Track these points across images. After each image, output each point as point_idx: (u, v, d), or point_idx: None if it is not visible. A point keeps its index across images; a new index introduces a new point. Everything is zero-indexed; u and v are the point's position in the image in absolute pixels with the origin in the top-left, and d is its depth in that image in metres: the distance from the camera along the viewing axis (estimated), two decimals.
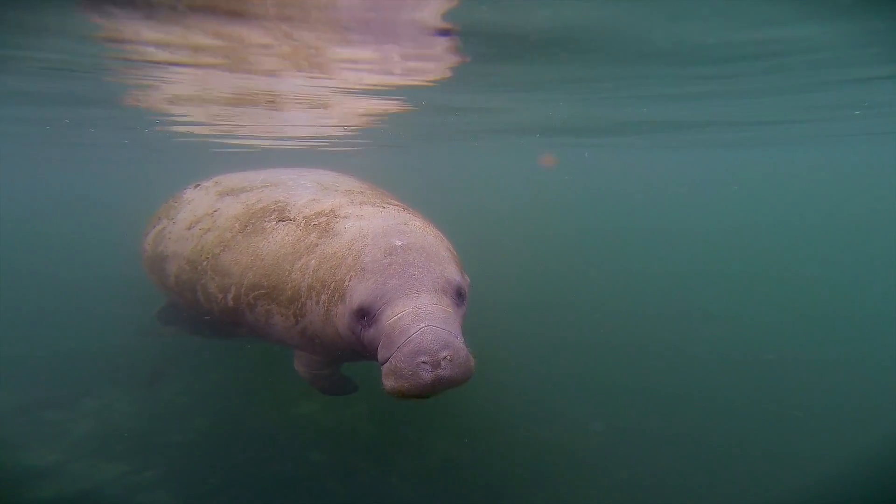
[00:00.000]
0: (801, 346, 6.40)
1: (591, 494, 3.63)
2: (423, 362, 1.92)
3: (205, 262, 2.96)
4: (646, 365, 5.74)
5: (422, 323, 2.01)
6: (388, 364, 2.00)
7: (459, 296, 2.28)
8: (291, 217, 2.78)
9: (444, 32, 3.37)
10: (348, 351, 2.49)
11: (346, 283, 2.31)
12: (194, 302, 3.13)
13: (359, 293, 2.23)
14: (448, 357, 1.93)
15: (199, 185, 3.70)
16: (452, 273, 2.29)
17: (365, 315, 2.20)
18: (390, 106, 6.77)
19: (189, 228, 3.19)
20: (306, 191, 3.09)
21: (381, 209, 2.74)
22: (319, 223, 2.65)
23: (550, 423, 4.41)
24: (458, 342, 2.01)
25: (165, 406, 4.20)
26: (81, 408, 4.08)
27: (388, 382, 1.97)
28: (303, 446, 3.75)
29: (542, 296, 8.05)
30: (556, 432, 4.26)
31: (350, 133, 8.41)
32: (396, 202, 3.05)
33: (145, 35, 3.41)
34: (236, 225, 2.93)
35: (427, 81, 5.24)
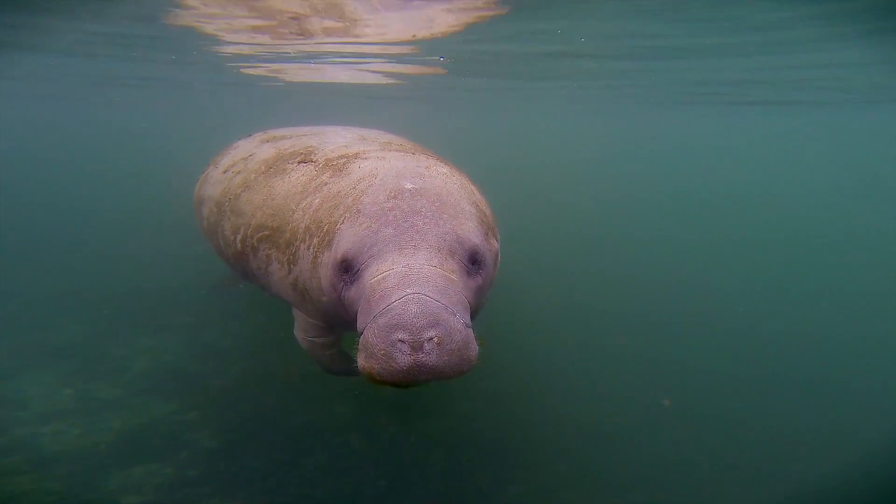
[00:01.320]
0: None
1: (612, 469, 3.63)
2: (399, 340, 1.49)
3: (226, 204, 2.78)
4: (691, 343, 5.48)
5: (409, 288, 1.57)
6: (362, 336, 1.60)
7: (474, 262, 1.82)
8: (314, 159, 2.52)
9: None
10: (334, 315, 2.09)
11: (338, 227, 1.93)
12: (217, 248, 2.98)
13: (346, 239, 1.83)
14: (436, 339, 1.50)
15: (249, 135, 3.64)
16: (469, 231, 1.84)
17: (349, 268, 1.80)
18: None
19: (224, 172, 3.06)
20: (341, 139, 2.86)
21: (409, 154, 2.39)
22: (337, 164, 2.36)
23: (578, 395, 4.43)
24: (455, 321, 1.56)
25: (207, 348, 4.62)
26: (137, 345, 4.57)
27: (360, 360, 1.58)
28: (329, 398, 4.04)
29: (593, 264, 7.75)
30: (584, 406, 4.27)
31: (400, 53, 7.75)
32: (436, 157, 2.65)
33: None
34: (262, 167, 2.73)
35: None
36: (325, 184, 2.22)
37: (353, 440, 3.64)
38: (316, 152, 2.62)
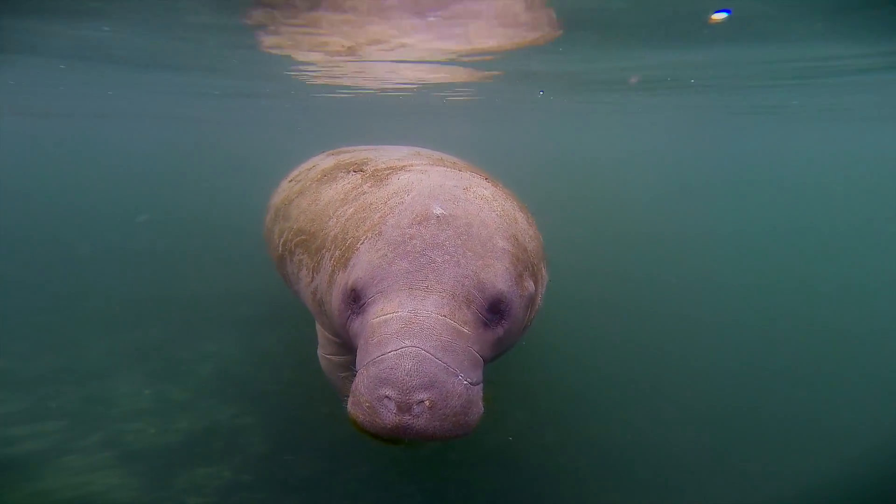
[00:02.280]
0: None
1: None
2: (386, 397, 1.39)
3: (281, 210, 2.80)
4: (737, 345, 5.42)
5: (408, 339, 1.45)
6: (354, 379, 1.51)
7: (495, 311, 1.64)
8: (364, 169, 2.48)
9: None
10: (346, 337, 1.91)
11: (358, 246, 1.81)
12: (269, 253, 2.99)
13: (360, 265, 1.70)
14: (427, 402, 1.38)
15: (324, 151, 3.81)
16: (494, 275, 1.64)
17: (357, 298, 1.68)
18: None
19: (290, 181, 3.12)
20: (398, 153, 2.83)
21: (451, 171, 2.25)
22: (381, 174, 2.28)
23: (620, 407, 4.33)
24: (455, 383, 1.42)
25: (263, 355, 5.01)
26: (203, 349, 5.08)
27: (349, 404, 1.48)
28: None
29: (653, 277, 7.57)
30: (623, 415, 4.16)
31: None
32: (484, 176, 2.46)
33: None
34: (318, 176, 2.74)
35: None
36: (364, 193, 2.15)
37: (394, 451, 3.78)
38: (368, 163, 2.58)
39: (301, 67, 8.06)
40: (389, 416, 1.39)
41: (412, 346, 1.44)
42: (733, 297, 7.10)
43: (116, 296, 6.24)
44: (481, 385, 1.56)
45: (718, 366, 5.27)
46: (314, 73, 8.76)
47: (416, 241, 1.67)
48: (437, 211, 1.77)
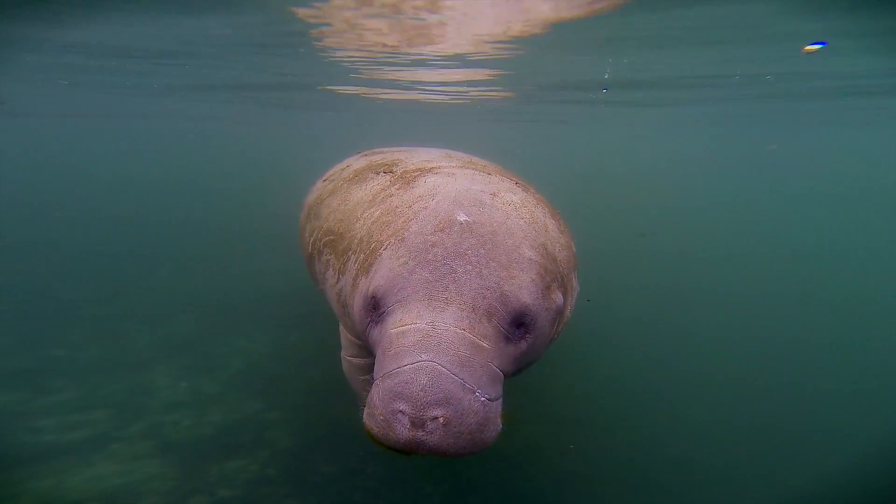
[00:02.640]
0: None
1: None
2: (400, 412, 1.38)
3: (313, 209, 2.82)
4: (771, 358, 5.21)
5: (424, 353, 1.43)
6: (371, 389, 1.51)
7: (519, 325, 1.60)
8: (394, 170, 2.46)
9: None
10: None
11: (381, 251, 1.78)
12: (300, 252, 2.99)
13: (381, 272, 1.69)
14: (442, 419, 1.36)
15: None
16: (519, 287, 1.59)
17: (376, 307, 1.67)
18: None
19: (323, 181, 3.16)
20: (429, 155, 2.80)
21: (480, 174, 2.18)
22: (409, 176, 2.26)
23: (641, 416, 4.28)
24: (472, 400, 1.40)
25: (290, 352, 5.23)
26: (236, 344, 5.34)
27: (364, 414, 1.49)
28: None
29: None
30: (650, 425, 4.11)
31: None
32: (515, 180, 2.38)
33: None
34: (350, 176, 2.73)
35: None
36: (391, 195, 2.12)
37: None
38: (399, 164, 2.56)
39: (339, 63, 8.06)
40: (403, 430, 1.38)
41: (428, 361, 1.42)
42: (758, 309, 6.94)
43: (156, 291, 6.65)
44: (500, 400, 1.53)
45: (742, 377, 5.14)
46: (351, 69, 8.80)
47: (437, 250, 1.64)
48: (461, 218, 1.71)
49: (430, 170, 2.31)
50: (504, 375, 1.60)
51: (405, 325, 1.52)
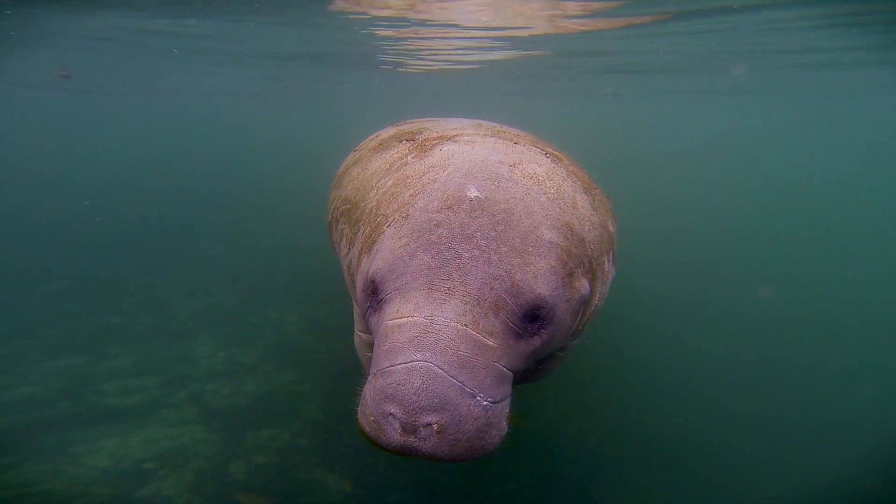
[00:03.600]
0: None
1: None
2: (391, 415, 1.29)
3: (339, 178, 2.73)
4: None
5: (419, 352, 1.31)
6: (365, 385, 1.41)
7: (530, 319, 1.43)
8: (416, 139, 2.31)
9: None
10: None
11: (384, 228, 1.63)
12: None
13: (381, 254, 1.54)
14: (436, 426, 1.26)
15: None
16: (534, 275, 1.42)
17: (375, 292, 1.52)
18: None
19: (354, 151, 3.05)
20: (457, 123, 2.61)
21: (503, 142, 1.98)
22: (428, 144, 2.09)
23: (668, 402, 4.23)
24: (472, 405, 1.29)
25: (321, 325, 5.48)
26: (269, 317, 5.66)
27: (358, 410, 1.40)
28: None
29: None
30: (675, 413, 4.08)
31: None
32: (544, 149, 2.14)
33: None
34: (375, 144, 2.61)
35: None
36: (406, 164, 1.95)
37: None
38: (424, 132, 2.40)
39: (375, 34, 7.82)
40: (394, 435, 1.29)
41: (423, 361, 1.29)
42: (801, 293, 6.55)
43: (197, 264, 7.06)
44: (507, 401, 1.42)
45: (783, 364, 4.90)
46: (386, 40, 8.53)
47: (442, 231, 1.46)
48: (472, 193, 1.52)
49: (451, 137, 2.13)
50: (514, 374, 1.48)
51: (402, 317, 1.38)
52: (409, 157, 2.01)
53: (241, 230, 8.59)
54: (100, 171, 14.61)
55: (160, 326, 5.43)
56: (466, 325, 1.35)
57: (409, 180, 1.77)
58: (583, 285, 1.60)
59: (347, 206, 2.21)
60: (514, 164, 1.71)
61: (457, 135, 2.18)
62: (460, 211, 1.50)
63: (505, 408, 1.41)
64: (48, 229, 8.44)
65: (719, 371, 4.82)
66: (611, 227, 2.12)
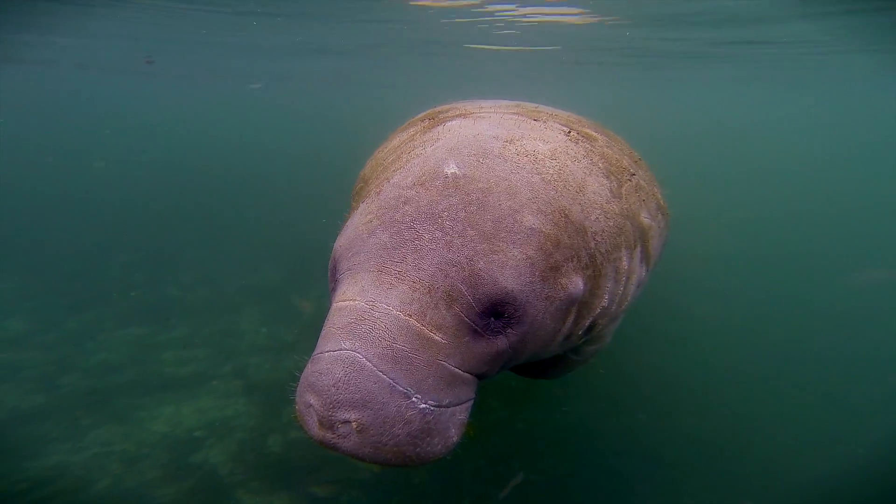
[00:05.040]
0: None
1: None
2: (311, 406, 1.21)
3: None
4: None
5: (348, 341, 1.20)
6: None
7: (492, 314, 1.27)
8: (437, 118, 2.19)
9: None
10: None
11: (361, 202, 1.53)
12: None
13: (346, 231, 1.43)
14: (355, 424, 1.14)
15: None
16: (500, 267, 1.25)
17: (334, 271, 1.43)
18: None
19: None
20: (491, 102, 2.43)
21: (518, 118, 1.78)
22: (438, 120, 1.98)
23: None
24: (402, 406, 1.16)
25: None
26: (309, 295, 5.94)
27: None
28: None
29: None
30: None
31: None
32: (581, 128, 1.96)
33: None
34: (404, 125, 2.55)
35: None
36: (412, 140, 1.85)
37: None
38: (448, 112, 2.25)
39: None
40: (314, 428, 1.20)
41: (350, 351, 1.18)
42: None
43: (247, 241, 7.49)
44: (462, 407, 1.27)
45: (836, 362, 4.46)
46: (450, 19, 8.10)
47: (408, 208, 1.32)
48: (450, 169, 1.38)
49: (466, 113, 1.97)
50: (476, 377, 1.32)
51: (345, 300, 1.27)
52: (418, 135, 1.90)
53: (288, 212, 8.95)
54: (165, 152, 15.71)
55: (211, 300, 5.90)
56: (410, 316, 1.20)
57: (401, 156, 1.66)
58: (572, 282, 1.40)
59: (361, 185, 2.15)
60: (511, 140, 1.54)
61: (474, 111, 2.02)
62: (432, 188, 1.35)
63: (457, 414, 1.26)
64: (118, 205, 9.30)
65: (774, 369, 4.48)
66: (643, 220, 1.84)
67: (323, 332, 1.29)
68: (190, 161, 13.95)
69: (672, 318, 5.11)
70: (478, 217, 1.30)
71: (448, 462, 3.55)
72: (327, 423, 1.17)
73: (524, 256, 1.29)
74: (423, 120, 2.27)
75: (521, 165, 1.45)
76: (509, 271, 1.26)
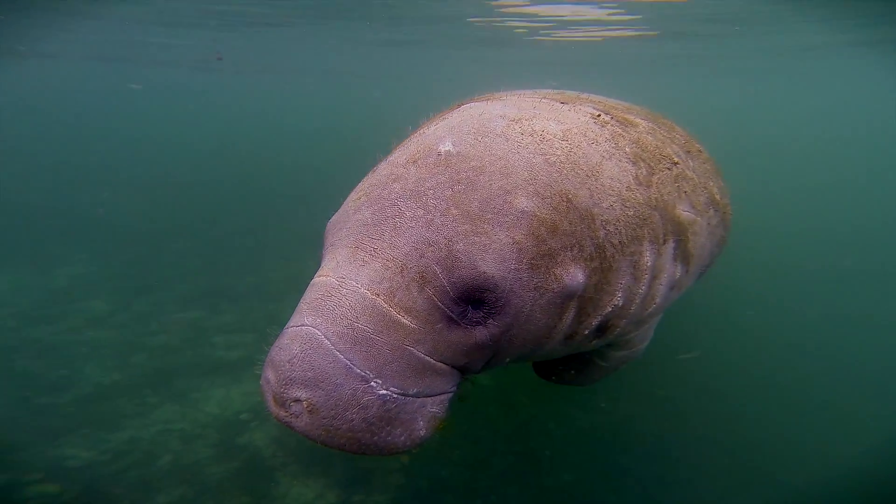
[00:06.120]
0: None
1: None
2: (268, 381, 1.19)
3: None
4: None
5: (311, 317, 1.18)
6: None
7: (469, 301, 1.19)
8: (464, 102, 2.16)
9: None
10: None
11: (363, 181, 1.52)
12: None
13: (342, 207, 1.45)
14: (306, 403, 1.10)
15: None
16: (481, 250, 1.17)
17: (323, 245, 1.42)
18: None
19: None
20: (532, 91, 2.33)
21: (539, 100, 1.71)
22: (461, 103, 1.97)
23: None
24: (357, 388, 1.10)
25: None
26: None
27: None
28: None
29: None
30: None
31: None
32: (628, 116, 1.85)
33: None
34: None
35: None
36: (433, 123, 1.79)
37: (492, 410, 4.25)
38: (479, 97, 2.17)
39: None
40: (270, 404, 1.18)
41: (310, 328, 1.15)
42: None
43: (292, 230, 7.84)
44: (435, 400, 1.20)
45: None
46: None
47: (396, 186, 1.29)
48: (444, 147, 1.33)
49: (490, 97, 1.93)
50: (453, 367, 1.23)
51: (321, 275, 1.26)
52: (436, 117, 1.87)
53: (331, 200, 9.25)
54: (226, 143, 16.60)
55: (258, 287, 6.29)
56: (378, 295, 1.15)
57: (409, 136, 1.63)
58: (569, 273, 1.28)
59: None
60: (518, 120, 1.47)
61: (499, 95, 1.96)
62: (423, 165, 1.31)
63: (427, 406, 1.18)
64: (176, 192, 10.03)
65: (827, 382, 4.14)
66: (682, 213, 1.66)
67: (296, 307, 1.27)
68: (250, 151, 14.72)
69: (733, 331, 4.82)
70: (464, 196, 1.23)
71: (477, 456, 3.67)
72: (280, 400, 1.14)
73: (510, 241, 1.20)
74: (451, 107, 2.21)
75: (523, 145, 1.38)
76: (491, 255, 1.18)
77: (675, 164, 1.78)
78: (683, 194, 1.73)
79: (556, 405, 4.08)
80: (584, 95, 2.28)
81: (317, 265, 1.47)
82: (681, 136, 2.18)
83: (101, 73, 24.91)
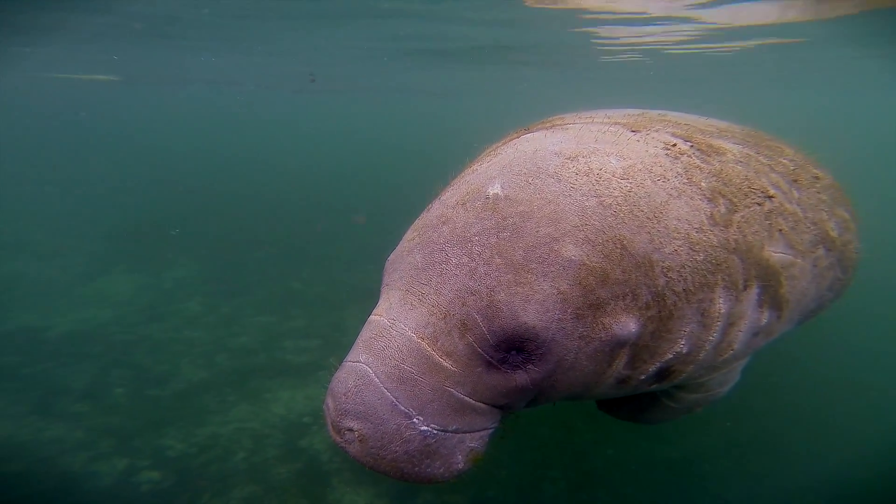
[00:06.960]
0: None
1: None
2: (328, 408, 1.34)
3: None
4: None
5: (364, 354, 1.29)
6: None
7: (511, 349, 1.24)
8: (531, 128, 2.10)
9: None
10: None
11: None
12: None
13: (399, 245, 1.52)
14: (357, 433, 1.24)
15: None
16: (523, 300, 1.20)
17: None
18: None
19: None
20: (609, 110, 2.24)
21: (606, 129, 1.64)
22: (523, 132, 1.94)
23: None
24: (402, 425, 1.21)
25: None
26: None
27: None
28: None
29: None
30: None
31: None
32: (718, 142, 1.72)
33: None
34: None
35: None
36: (485, 154, 1.86)
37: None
38: (546, 122, 2.12)
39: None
40: (329, 428, 1.33)
41: (364, 365, 1.27)
42: None
43: (356, 242, 8.29)
44: (474, 436, 1.29)
45: None
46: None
47: (445, 229, 1.35)
48: (493, 190, 1.35)
49: (555, 124, 1.87)
50: (494, 407, 1.32)
51: (377, 314, 1.38)
52: (493, 148, 1.84)
53: (392, 213, 9.62)
54: (275, 159, 18.09)
55: (325, 295, 6.72)
56: (423, 339, 1.25)
57: (464, 172, 1.65)
58: (619, 323, 1.28)
59: None
60: (574, 157, 1.44)
61: (565, 122, 1.87)
62: (471, 209, 1.35)
63: (466, 442, 1.29)
64: (263, 206, 11.11)
65: None
66: (772, 255, 1.51)
67: (355, 341, 1.39)
68: (324, 164, 15.88)
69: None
70: (509, 244, 1.26)
71: (525, 479, 3.52)
72: (336, 428, 1.30)
73: (555, 291, 1.22)
74: (517, 131, 2.14)
75: (576, 186, 1.35)
76: (533, 306, 1.21)
77: (770, 197, 1.61)
78: (777, 233, 1.57)
79: (617, 432, 3.78)
80: (670, 116, 2.06)
81: (376, 286, 1.62)
82: (789, 161, 1.93)
83: (207, 97, 28.54)
